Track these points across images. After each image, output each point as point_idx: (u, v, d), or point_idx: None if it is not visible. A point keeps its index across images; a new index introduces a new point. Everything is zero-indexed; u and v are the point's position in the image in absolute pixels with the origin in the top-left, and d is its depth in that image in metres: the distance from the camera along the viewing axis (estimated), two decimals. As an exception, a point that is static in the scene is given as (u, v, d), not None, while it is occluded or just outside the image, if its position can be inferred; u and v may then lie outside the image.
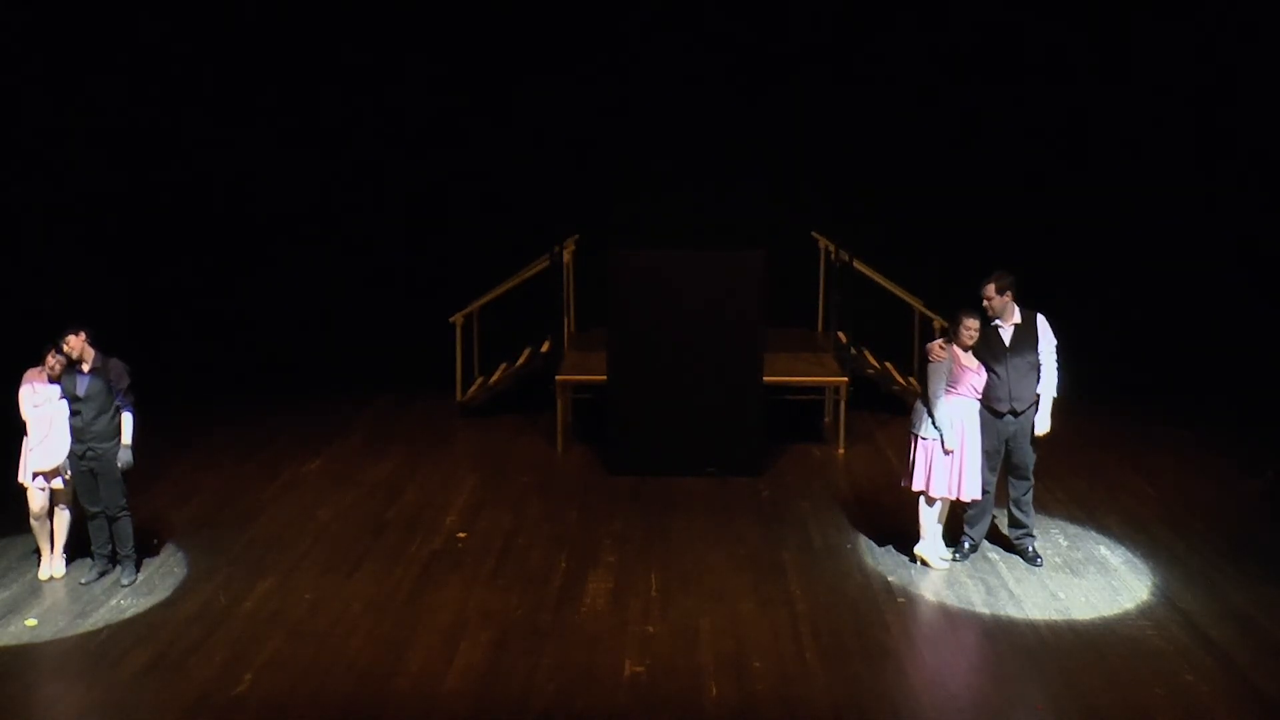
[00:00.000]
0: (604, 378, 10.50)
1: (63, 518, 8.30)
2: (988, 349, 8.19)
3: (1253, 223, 12.95)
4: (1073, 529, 9.17)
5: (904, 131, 13.03)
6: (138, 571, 8.25)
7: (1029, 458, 8.36)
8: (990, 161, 13.02)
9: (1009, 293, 8.21)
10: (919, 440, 8.18)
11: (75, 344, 7.95)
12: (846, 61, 13.02)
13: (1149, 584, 8.14)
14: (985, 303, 8.21)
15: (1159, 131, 12.93)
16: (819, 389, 12.08)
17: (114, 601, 7.87)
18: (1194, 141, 12.92)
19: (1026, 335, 8.27)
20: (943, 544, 8.46)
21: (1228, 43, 12.78)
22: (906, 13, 12.94)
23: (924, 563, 8.37)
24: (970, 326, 8.03)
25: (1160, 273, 13.05)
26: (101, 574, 8.19)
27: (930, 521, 8.33)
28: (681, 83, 13.10)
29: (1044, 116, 12.99)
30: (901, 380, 12.04)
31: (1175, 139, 12.93)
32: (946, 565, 8.37)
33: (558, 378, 11.25)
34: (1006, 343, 8.23)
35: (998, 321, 8.24)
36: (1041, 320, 8.34)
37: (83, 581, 8.12)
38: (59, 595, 7.98)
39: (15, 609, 7.75)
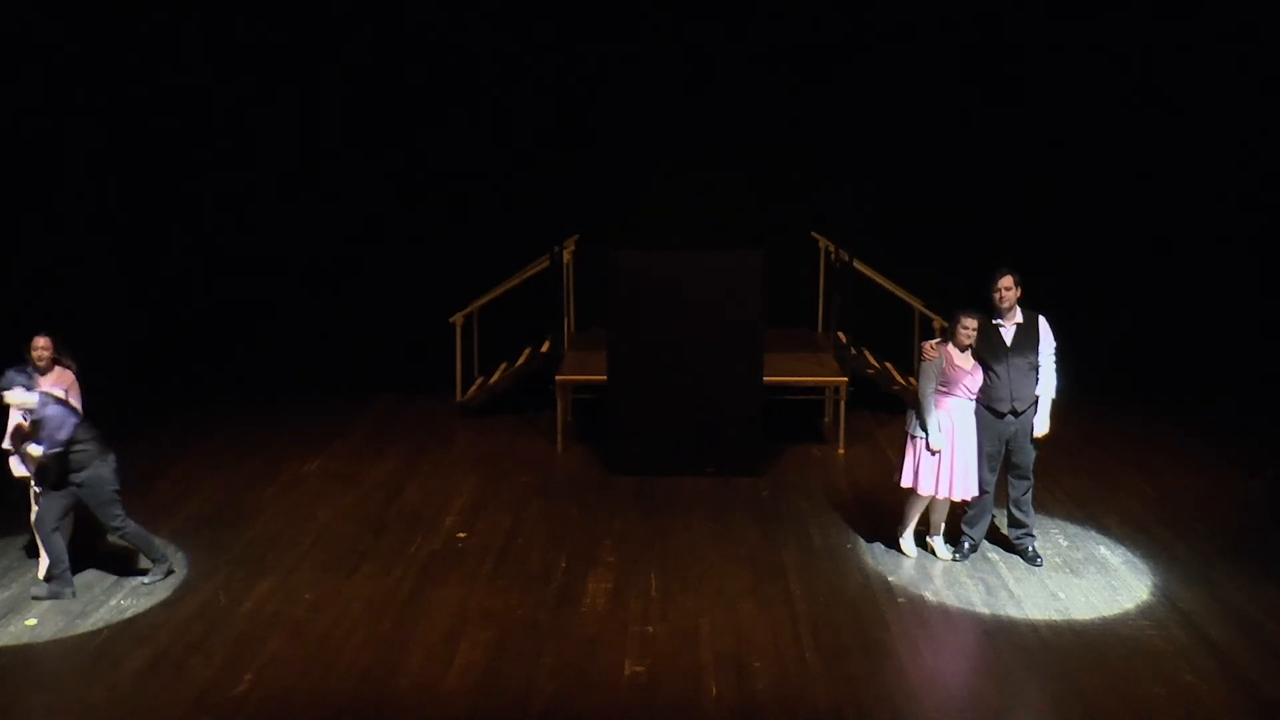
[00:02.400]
0: (604, 378, 10.50)
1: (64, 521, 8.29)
2: (988, 348, 8.18)
3: (1253, 221, 12.95)
4: (1073, 529, 9.17)
5: (905, 131, 13.02)
6: (164, 573, 8.19)
7: (1029, 457, 8.36)
8: (990, 161, 13.01)
9: (1020, 289, 8.21)
10: (910, 437, 8.25)
11: (40, 345, 7.97)
12: (847, 61, 13.01)
13: (1149, 584, 8.15)
14: (1003, 292, 8.15)
15: (1158, 131, 12.92)
16: (819, 389, 12.08)
17: (114, 601, 7.87)
18: (1193, 140, 12.91)
19: (1028, 335, 8.26)
20: (941, 541, 8.54)
21: (1229, 42, 12.78)
22: (907, 13, 12.93)
23: (900, 550, 8.61)
24: (969, 326, 8.03)
25: (1160, 272, 13.04)
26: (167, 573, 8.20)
27: (910, 512, 8.52)
28: (682, 82, 13.09)
29: (1044, 117, 12.98)
30: (901, 380, 12.04)
31: (1174, 138, 12.92)
32: (914, 555, 8.53)
33: (558, 378, 11.26)
34: (1008, 342, 8.22)
35: (999, 321, 8.23)
36: (1043, 322, 8.33)
37: (145, 581, 8.11)
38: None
39: (15, 609, 7.75)
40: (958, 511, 8.57)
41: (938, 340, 8.26)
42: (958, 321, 8.06)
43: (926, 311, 12.04)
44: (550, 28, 13.05)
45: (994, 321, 8.22)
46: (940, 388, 8.10)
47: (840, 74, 13.03)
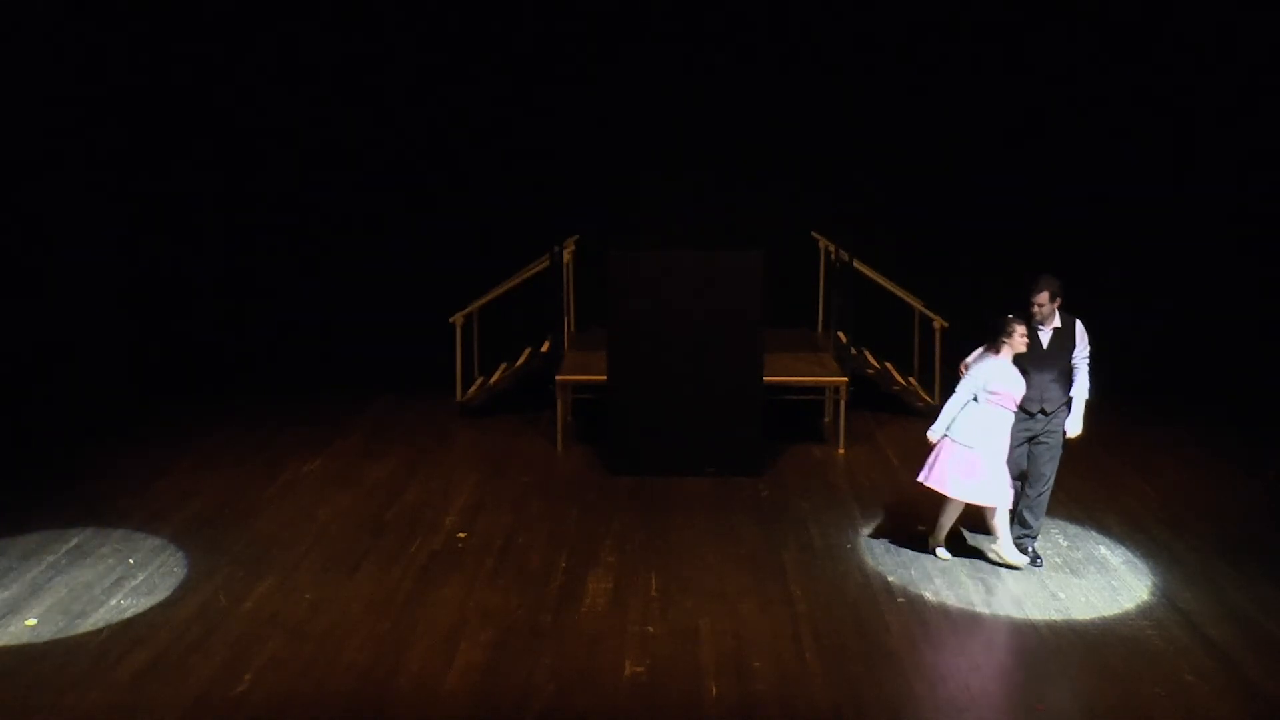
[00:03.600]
0: (604, 378, 10.50)
1: None
2: (1024, 350, 8.20)
3: (1253, 220, 12.95)
4: (1073, 529, 9.18)
5: (905, 131, 13.03)
6: None
7: (1053, 456, 8.36)
8: (991, 162, 13.01)
9: (1059, 299, 8.23)
10: (943, 437, 8.24)
11: None
12: (847, 60, 13.02)
13: (1149, 584, 8.15)
14: (1036, 308, 8.18)
15: (1157, 131, 12.92)
16: (819, 389, 12.08)
17: (114, 601, 7.86)
18: (1193, 139, 12.92)
19: (1064, 339, 8.28)
20: (1011, 544, 8.40)
21: (1237, 44, 12.78)
22: (906, 12, 12.93)
23: (1006, 564, 8.32)
24: (1024, 334, 8.06)
25: (1160, 272, 13.05)
26: None
27: (1000, 524, 8.27)
28: (682, 82, 13.09)
29: (1043, 117, 12.99)
30: (901, 380, 12.04)
31: (1173, 138, 12.93)
32: (1024, 562, 8.31)
33: (558, 378, 11.26)
34: (1044, 345, 8.25)
35: (1039, 326, 8.25)
36: (1080, 325, 8.35)
37: None
38: (59, 595, 7.97)
39: (15, 609, 7.75)
40: (966, 515, 8.52)
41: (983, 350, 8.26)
42: (1014, 332, 8.05)
43: (926, 312, 12.04)
44: (550, 26, 13.05)
45: (1034, 325, 8.25)
46: (990, 393, 8.05)
47: (841, 74, 13.03)
